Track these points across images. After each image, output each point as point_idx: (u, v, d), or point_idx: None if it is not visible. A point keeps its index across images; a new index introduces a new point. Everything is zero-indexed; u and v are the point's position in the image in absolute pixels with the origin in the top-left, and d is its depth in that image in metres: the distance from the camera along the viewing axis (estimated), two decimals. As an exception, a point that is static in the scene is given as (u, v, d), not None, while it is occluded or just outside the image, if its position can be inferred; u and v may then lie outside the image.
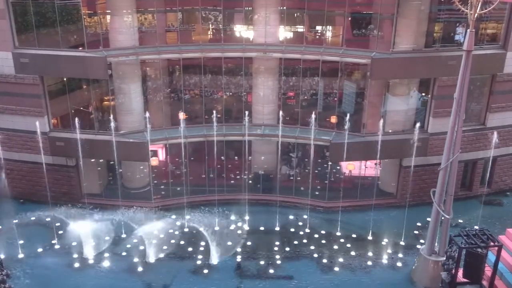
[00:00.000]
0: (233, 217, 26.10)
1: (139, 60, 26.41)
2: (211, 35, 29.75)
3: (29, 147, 26.25)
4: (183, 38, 27.36)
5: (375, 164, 28.87)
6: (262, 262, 22.56)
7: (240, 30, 28.55)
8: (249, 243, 24.13)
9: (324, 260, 22.83)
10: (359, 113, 27.66)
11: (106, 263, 22.50)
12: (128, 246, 23.87)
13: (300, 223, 25.80)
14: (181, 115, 27.01)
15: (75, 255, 22.94)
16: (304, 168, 29.59)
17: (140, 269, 22.14)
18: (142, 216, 26.08)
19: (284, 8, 26.97)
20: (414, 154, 24.41)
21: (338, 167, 30.44)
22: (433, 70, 25.04)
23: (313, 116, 24.59)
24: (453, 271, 18.57)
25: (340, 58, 25.92)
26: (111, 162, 28.13)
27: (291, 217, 26.35)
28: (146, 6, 27.40)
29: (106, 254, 23.15)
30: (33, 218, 25.55)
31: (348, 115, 25.16)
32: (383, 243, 24.20)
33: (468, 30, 17.85)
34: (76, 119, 24.54)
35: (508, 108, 26.93)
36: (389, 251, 23.58)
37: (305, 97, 29.19)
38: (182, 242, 24.20)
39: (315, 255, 23.21)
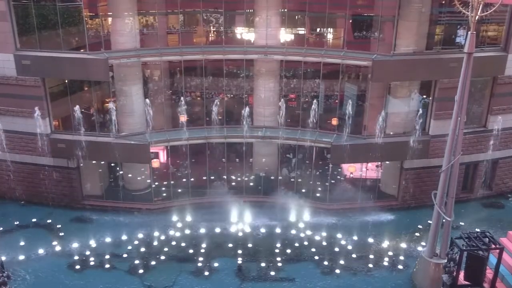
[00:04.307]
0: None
1: (140, 62, 26.37)
2: (213, 37, 29.76)
3: (30, 149, 26.28)
4: (185, 40, 27.37)
5: (376, 166, 28.84)
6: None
7: (241, 32, 28.52)
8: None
9: (325, 262, 22.83)
10: (360, 115, 27.63)
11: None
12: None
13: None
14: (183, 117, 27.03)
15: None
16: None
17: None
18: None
19: (285, 10, 26.97)
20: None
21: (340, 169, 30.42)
22: (434, 72, 25.00)
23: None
24: (454, 273, 18.51)
25: (341, 60, 25.87)
26: (112, 164, 28.10)
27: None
28: (148, 8, 27.42)
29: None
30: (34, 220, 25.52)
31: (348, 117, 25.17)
32: (384, 245, 24.16)
33: (469, 33, 17.84)
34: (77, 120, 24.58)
35: (510, 110, 26.88)
36: (390, 253, 23.54)
37: (306, 99, 29.14)
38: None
39: (316, 257, 23.19)
